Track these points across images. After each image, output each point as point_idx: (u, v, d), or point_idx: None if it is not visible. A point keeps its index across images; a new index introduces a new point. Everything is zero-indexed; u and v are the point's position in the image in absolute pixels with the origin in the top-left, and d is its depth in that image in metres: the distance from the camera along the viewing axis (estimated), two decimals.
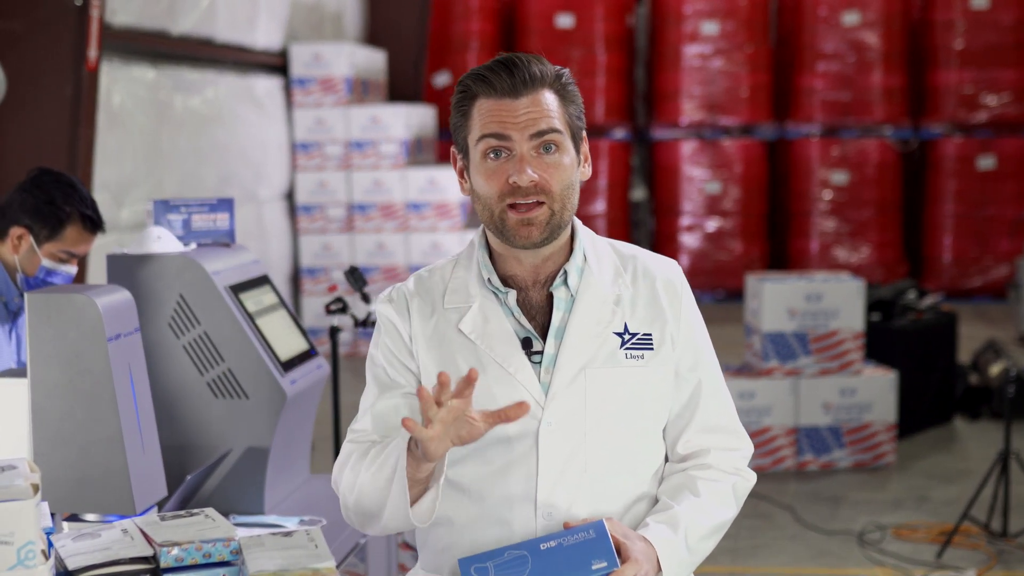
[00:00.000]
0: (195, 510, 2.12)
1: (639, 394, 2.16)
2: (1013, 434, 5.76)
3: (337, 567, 1.97)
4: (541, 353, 2.14)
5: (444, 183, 10.11)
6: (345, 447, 2.22)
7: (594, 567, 2.02)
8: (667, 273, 2.23)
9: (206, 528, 2.03)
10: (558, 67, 2.14)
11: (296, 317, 3.51)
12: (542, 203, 2.07)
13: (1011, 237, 11.96)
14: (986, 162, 12.04)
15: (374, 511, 2.11)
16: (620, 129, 12.11)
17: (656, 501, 2.22)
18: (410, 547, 4.29)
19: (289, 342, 3.35)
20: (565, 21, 12.16)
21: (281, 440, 3.23)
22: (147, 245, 3.24)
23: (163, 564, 1.95)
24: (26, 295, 2.41)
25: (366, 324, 4.37)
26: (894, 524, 5.79)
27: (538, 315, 2.17)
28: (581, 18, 12.12)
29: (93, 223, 3.38)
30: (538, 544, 2.06)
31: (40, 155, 6.23)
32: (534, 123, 2.07)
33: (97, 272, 6.90)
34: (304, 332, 3.49)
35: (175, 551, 1.95)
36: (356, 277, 4.45)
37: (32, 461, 2.18)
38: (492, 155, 2.09)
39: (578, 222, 2.23)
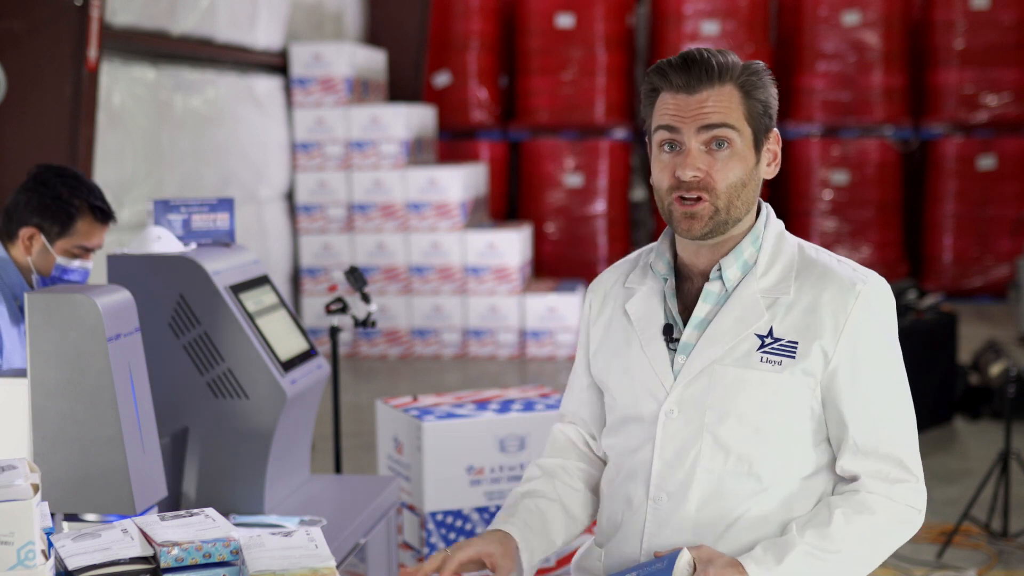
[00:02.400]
0: (195, 510, 2.12)
1: (767, 400, 2.10)
2: (1013, 434, 5.76)
3: (337, 567, 1.97)
4: (680, 341, 2.18)
5: (444, 183, 10.11)
6: (551, 432, 2.41)
7: None
8: (845, 284, 2.13)
9: (206, 528, 2.03)
10: (751, 62, 2.14)
11: (296, 317, 3.51)
12: (706, 199, 2.09)
13: (1011, 237, 11.96)
14: (986, 162, 12.04)
15: None
16: (620, 129, 12.11)
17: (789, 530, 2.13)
18: (410, 547, 4.29)
19: (289, 342, 3.35)
20: (565, 21, 12.16)
21: (281, 440, 3.23)
22: (147, 245, 3.24)
23: (163, 564, 1.95)
24: (26, 295, 2.40)
25: (366, 324, 4.37)
26: None
27: (692, 304, 2.19)
28: (581, 18, 12.12)
29: (104, 213, 3.34)
30: (624, 574, 2.09)
31: (40, 155, 6.23)
32: (705, 117, 2.08)
33: (97, 272, 6.90)
34: (304, 332, 3.49)
35: (175, 551, 1.95)
36: (356, 277, 4.45)
37: (32, 461, 2.18)
38: (666, 148, 2.13)
39: (770, 217, 2.21)
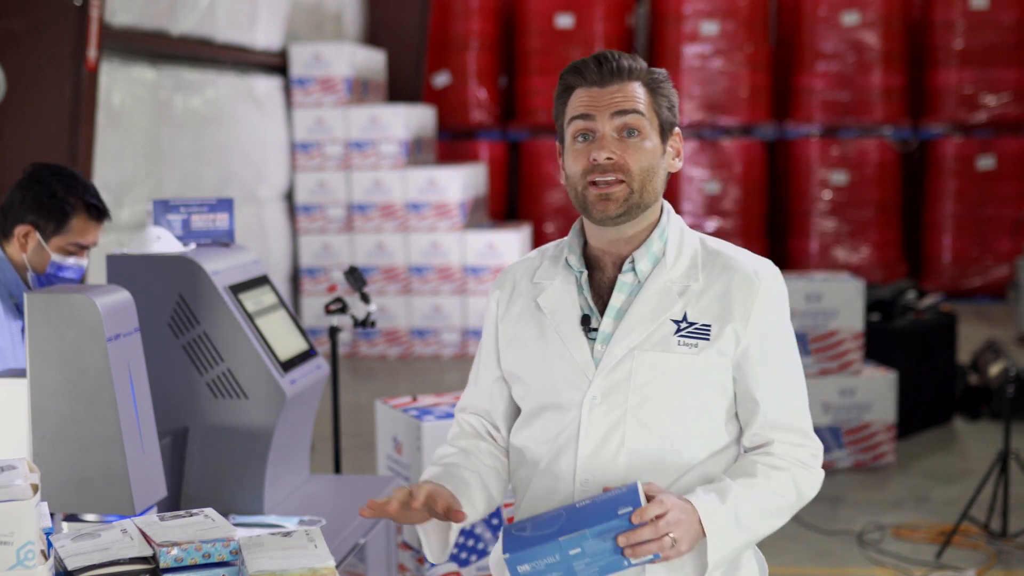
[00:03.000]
0: (195, 510, 2.13)
1: (687, 382, 2.21)
2: (1012, 434, 5.77)
3: (337, 567, 1.97)
4: (598, 331, 2.27)
5: (444, 183, 10.11)
6: (452, 423, 2.49)
7: (619, 512, 2.07)
8: (748, 272, 2.26)
9: (206, 528, 2.04)
10: (655, 68, 2.29)
11: (296, 317, 3.51)
12: (622, 181, 2.22)
13: (1010, 237, 11.96)
14: (986, 162, 12.05)
15: None
16: None
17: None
18: (409, 547, 4.29)
19: (289, 342, 3.35)
20: (565, 21, 12.16)
21: (281, 440, 3.23)
22: (147, 245, 3.24)
23: (163, 564, 1.95)
24: (25, 295, 2.40)
25: (365, 324, 4.38)
26: (894, 524, 5.80)
27: (607, 295, 2.30)
28: (581, 18, 12.12)
29: (99, 211, 3.35)
30: (574, 504, 2.16)
31: (40, 155, 6.23)
32: (617, 104, 2.22)
33: (97, 272, 6.90)
34: (304, 332, 3.49)
35: (175, 551, 1.95)
36: (356, 277, 4.45)
37: (32, 461, 2.18)
38: (580, 138, 2.24)
39: (671, 213, 2.33)
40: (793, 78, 12.30)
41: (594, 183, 2.21)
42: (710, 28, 12.04)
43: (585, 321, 2.27)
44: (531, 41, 12.25)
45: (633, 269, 2.27)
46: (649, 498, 2.10)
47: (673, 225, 2.31)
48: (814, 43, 12.07)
